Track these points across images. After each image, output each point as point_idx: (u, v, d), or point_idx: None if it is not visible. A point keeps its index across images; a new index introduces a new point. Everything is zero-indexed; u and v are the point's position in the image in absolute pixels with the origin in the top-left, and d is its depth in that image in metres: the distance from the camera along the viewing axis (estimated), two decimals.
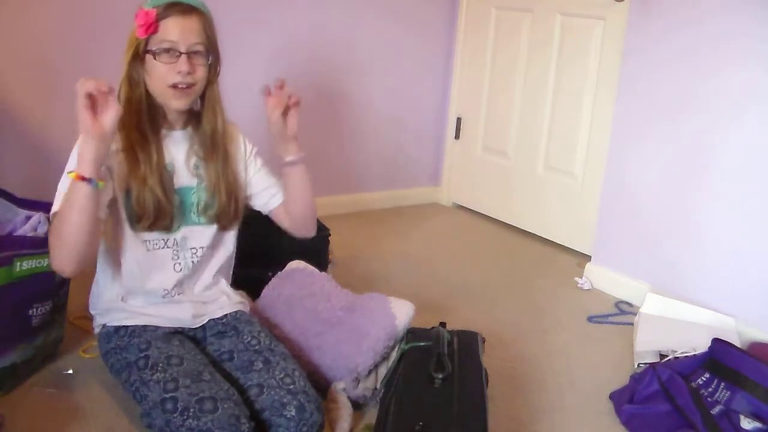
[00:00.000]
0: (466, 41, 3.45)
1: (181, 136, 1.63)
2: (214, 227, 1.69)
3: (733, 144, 2.29)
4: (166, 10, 1.48)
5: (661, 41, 2.45)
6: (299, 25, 3.02)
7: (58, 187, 1.50)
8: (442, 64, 3.52)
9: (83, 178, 1.37)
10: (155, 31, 1.47)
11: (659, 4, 2.45)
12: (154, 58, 1.49)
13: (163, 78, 1.50)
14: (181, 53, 1.49)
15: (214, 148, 1.63)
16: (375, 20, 3.23)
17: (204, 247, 1.68)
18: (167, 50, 1.48)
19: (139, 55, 1.50)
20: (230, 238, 1.75)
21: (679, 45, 2.40)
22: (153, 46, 1.49)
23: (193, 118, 1.64)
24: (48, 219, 1.76)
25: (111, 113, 1.36)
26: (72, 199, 1.39)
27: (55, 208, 1.47)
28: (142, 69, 1.52)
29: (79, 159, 1.39)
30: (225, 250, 1.75)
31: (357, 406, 1.74)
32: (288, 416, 1.45)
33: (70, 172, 1.40)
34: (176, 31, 1.48)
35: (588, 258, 2.85)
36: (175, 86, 1.50)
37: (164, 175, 1.57)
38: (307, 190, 1.74)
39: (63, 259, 1.42)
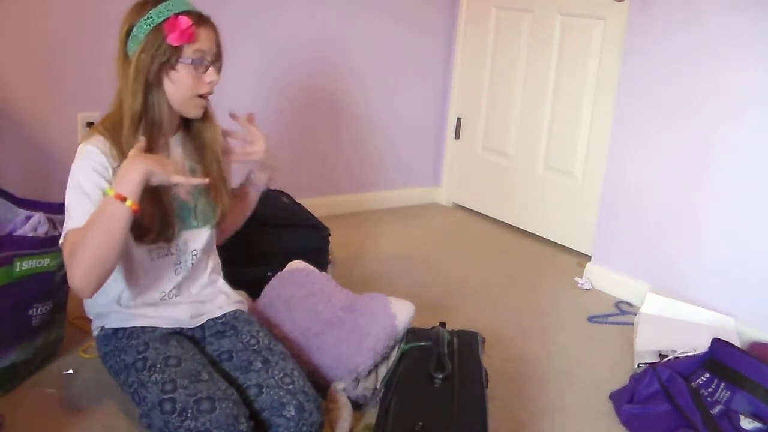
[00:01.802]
0: (466, 41, 3.45)
1: (174, 142, 1.63)
2: (209, 228, 1.70)
3: (733, 144, 2.29)
4: (199, 20, 1.48)
5: (662, 41, 2.45)
6: (299, 26, 3.02)
7: (70, 203, 1.46)
8: (442, 64, 3.52)
9: (124, 200, 1.36)
10: (193, 39, 1.47)
11: (659, 4, 2.45)
12: (195, 69, 1.48)
13: (193, 87, 1.50)
14: (210, 62, 1.50)
15: (209, 152, 1.64)
16: (374, 20, 3.23)
17: (201, 249, 1.69)
18: (200, 60, 1.49)
19: (169, 63, 1.47)
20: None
21: (680, 45, 2.40)
22: (186, 55, 1.48)
23: (182, 123, 1.64)
24: (48, 219, 1.76)
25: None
26: (108, 221, 1.37)
27: (72, 225, 1.43)
28: (166, 78, 1.49)
29: (123, 179, 1.37)
30: (214, 249, 1.78)
31: (357, 406, 1.74)
32: (287, 416, 1.45)
33: (108, 190, 1.38)
34: (207, 40, 1.50)
35: (588, 258, 2.85)
36: (202, 96, 1.52)
37: (167, 186, 1.56)
38: (251, 210, 1.83)
39: (89, 280, 1.39)
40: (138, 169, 1.38)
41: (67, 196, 1.49)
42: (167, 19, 1.45)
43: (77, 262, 1.38)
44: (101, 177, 1.47)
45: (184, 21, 1.45)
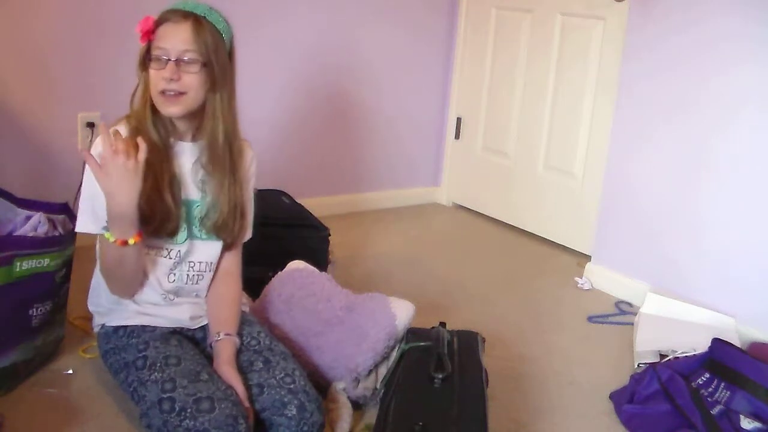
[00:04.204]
0: (466, 41, 3.45)
1: (189, 148, 1.60)
2: (218, 243, 1.66)
3: (732, 144, 2.29)
4: (163, 17, 1.48)
5: (661, 42, 2.45)
6: (301, 27, 3.02)
7: (82, 206, 1.54)
8: (442, 64, 3.52)
9: (126, 243, 1.46)
10: (152, 37, 1.48)
11: (659, 4, 2.45)
12: (154, 65, 1.48)
13: (155, 85, 1.49)
14: (169, 60, 1.47)
15: (216, 160, 1.59)
16: (376, 21, 3.23)
17: (203, 262, 1.66)
18: (158, 57, 1.47)
19: (142, 62, 1.51)
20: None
21: (679, 45, 2.40)
22: (151, 52, 1.48)
23: (203, 129, 1.60)
24: (48, 219, 1.76)
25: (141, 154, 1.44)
26: (121, 261, 1.50)
27: (84, 227, 1.55)
28: (147, 75, 1.51)
29: (115, 220, 1.45)
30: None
31: (357, 406, 1.74)
32: (289, 415, 1.45)
33: (108, 236, 1.45)
34: (167, 37, 1.47)
35: (588, 258, 2.85)
36: (163, 93, 1.48)
37: (173, 183, 1.56)
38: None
39: (127, 293, 1.61)
40: (120, 204, 1.43)
41: (84, 184, 1.53)
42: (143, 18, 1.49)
43: (111, 287, 1.59)
44: None
45: (143, 21, 1.47)
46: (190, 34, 1.48)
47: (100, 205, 1.49)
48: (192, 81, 1.49)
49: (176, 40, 1.47)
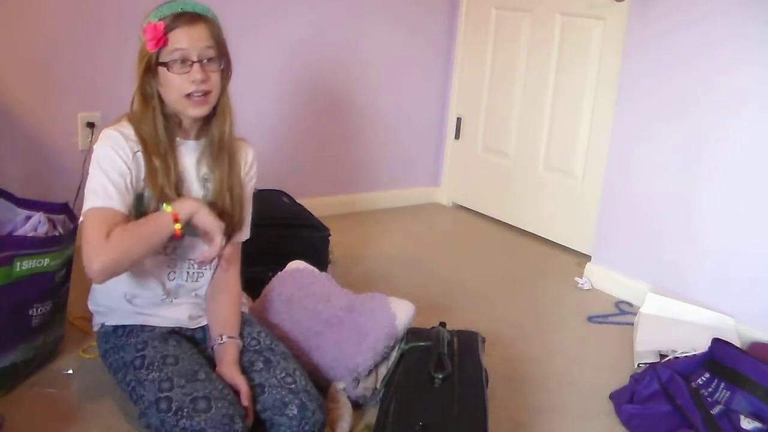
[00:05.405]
0: (466, 41, 3.45)
1: (194, 146, 1.61)
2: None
3: (732, 144, 2.29)
4: (174, 21, 1.46)
5: (661, 42, 2.45)
6: (302, 28, 3.02)
7: (90, 181, 1.48)
8: (442, 64, 3.52)
9: (176, 220, 1.45)
10: (165, 43, 1.46)
11: (659, 4, 2.45)
12: (168, 70, 1.47)
13: (179, 88, 1.48)
14: (193, 62, 1.47)
15: (220, 153, 1.60)
16: (376, 21, 3.23)
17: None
18: (180, 60, 1.47)
19: (151, 69, 1.49)
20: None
21: (679, 46, 2.40)
22: (165, 57, 1.47)
23: (206, 127, 1.61)
24: (48, 219, 1.76)
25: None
26: (153, 232, 1.46)
27: (92, 204, 1.45)
28: (155, 81, 1.50)
29: (183, 202, 1.49)
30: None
31: (357, 406, 1.74)
32: (290, 415, 1.46)
33: (166, 206, 1.46)
34: (186, 39, 1.46)
35: (588, 258, 2.85)
36: (190, 96, 1.49)
37: (178, 184, 1.56)
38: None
39: (107, 272, 1.42)
40: (197, 202, 1.51)
41: (89, 176, 1.50)
42: (146, 25, 1.47)
43: (107, 253, 1.40)
44: (119, 157, 1.49)
45: (152, 28, 1.45)
46: (207, 33, 1.49)
47: (116, 183, 1.48)
48: (216, 79, 1.52)
49: (195, 40, 1.47)
